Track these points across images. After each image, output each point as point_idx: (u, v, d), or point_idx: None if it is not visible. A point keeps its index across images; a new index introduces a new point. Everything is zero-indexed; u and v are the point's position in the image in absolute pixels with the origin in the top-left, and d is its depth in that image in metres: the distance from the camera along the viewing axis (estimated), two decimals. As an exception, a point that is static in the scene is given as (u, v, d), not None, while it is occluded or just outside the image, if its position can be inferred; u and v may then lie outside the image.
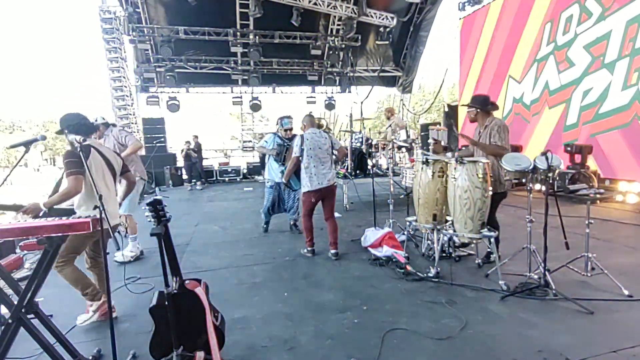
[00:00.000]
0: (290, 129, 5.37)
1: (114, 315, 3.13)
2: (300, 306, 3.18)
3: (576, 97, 8.06)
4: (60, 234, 2.05)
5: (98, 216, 2.12)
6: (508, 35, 9.92)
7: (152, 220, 1.99)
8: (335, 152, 4.60)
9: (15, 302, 2.15)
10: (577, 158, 7.44)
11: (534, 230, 3.46)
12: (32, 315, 2.23)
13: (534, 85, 9.22)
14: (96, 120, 4.49)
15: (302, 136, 4.44)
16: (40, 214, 2.59)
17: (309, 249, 4.56)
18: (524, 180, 3.48)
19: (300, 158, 4.40)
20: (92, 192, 2.83)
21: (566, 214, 3.27)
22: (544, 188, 3.31)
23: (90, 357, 2.44)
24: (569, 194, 5.72)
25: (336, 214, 6.70)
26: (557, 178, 6.73)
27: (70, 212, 2.86)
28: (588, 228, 3.42)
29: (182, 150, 11.46)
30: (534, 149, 8.87)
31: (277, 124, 5.63)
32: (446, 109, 13.32)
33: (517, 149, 8.98)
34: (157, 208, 1.98)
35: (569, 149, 7.51)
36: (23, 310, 2.13)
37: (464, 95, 11.70)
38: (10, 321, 2.08)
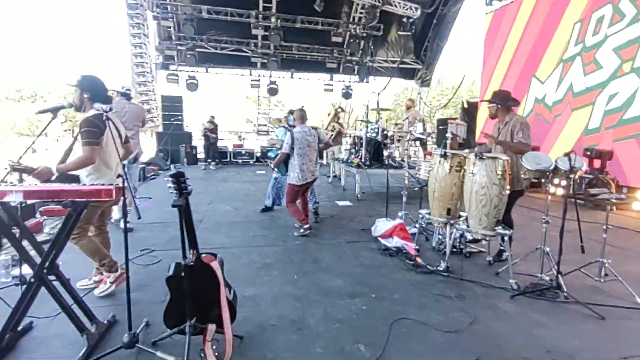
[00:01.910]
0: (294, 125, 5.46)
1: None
2: (309, 289, 3.22)
3: (601, 101, 7.86)
4: (84, 200, 2.10)
5: (120, 184, 2.16)
6: (534, 33, 9.67)
7: (174, 192, 2.02)
8: (320, 145, 4.94)
9: (38, 263, 2.23)
10: (597, 163, 7.29)
11: (547, 232, 3.41)
12: (53, 277, 2.30)
13: (558, 86, 9.00)
14: (123, 88, 4.83)
15: (292, 134, 4.67)
16: (53, 178, 2.62)
17: (305, 227, 4.73)
18: (543, 181, 3.42)
19: (290, 154, 4.70)
20: (101, 162, 2.85)
21: (582, 219, 3.22)
22: (560, 191, 3.27)
23: (106, 322, 2.51)
24: (589, 197, 5.61)
25: (347, 203, 6.79)
26: (578, 181, 6.60)
27: (75, 179, 2.89)
28: (605, 233, 3.37)
29: (204, 129, 11.40)
30: (552, 151, 8.71)
31: (286, 115, 5.85)
32: (465, 106, 13.12)
33: (534, 150, 8.82)
34: (179, 180, 2.01)
35: (588, 153, 7.36)
36: (45, 270, 2.20)
37: (486, 92, 11.49)
38: (32, 280, 2.15)
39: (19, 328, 2.34)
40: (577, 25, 8.47)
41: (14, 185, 2.06)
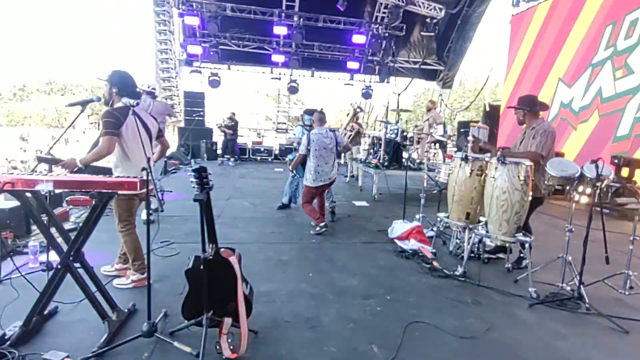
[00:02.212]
0: (310, 125, 5.52)
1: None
2: (324, 288, 3.23)
3: (631, 107, 7.57)
4: (110, 191, 2.16)
5: (145, 177, 2.22)
6: (562, 36, 9.38)
7: (196, 186, 2.06)
8: (339, 148, 4.94)
9: (64, 250, 2.31)
10: (624, 171, 7.03)
11: (570, 241, 3.31)
12: (78, 265, 2.38)
13: (585, 91, 8.72)
14: (149, 87, 5.09)
15: (308, 136, 4.73)
16: (75, 170, 2.68)
17: (321, 225, 4.78)
18: (567, 188, 3.32)
19: (307, 155, 4.76)
20: (126, 154, 2.90)
21: (607, 229, 3.12)
22: (585, 199, 3.16)
23: (127, 310, 2.58)
24: (616, 206, 5.40)
25: (364, 203, 6.77)
26: (605, 189, 6.39)
27: (107, 171, 2.97)
28: (632, 244, 3.25)
29: (220, 124, 11.56)
30: (578, 157, 8.45)
31: (302, 114, 5.92)
32: (487, 109, 12.87)
33: (558, 156, 8.57)
34: (201, 175, 2.05)
35: (616, 161, 7.11)
36: (71, 258, 2.28)
37: (509, 95, 11.24)
38: (59, 267, 2.23)
39: (45, 312, 2.43)
40: (609, 28, 8.18)
41: (45, 175, 2.15)
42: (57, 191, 4.21)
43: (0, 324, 2.30)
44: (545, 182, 3.64)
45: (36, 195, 2.25)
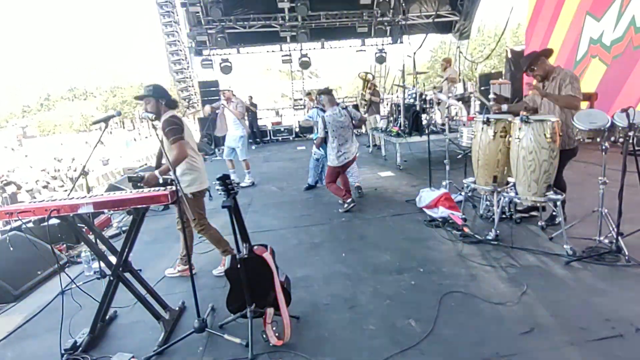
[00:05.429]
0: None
1: (193, 271, 3.51)
2: (358, 267, 3.33)
3: (670, 35, 6.98)
4: (144, 205, 2.30)
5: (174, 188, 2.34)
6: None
7: (222, 193, 2.16)
8: (354, 122, 4.97)
9: (111, 260, 2.51)
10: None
11: (606, 189, 3.19)
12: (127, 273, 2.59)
13: (617, 23, 8.06)
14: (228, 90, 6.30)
15: (323, 118, 4.79)
16: (160, 182, 2.86)
17: (348, 201, 4.86)
18: (598, 140, 3.19)
19: (326, 137, 4.86)
20: (192, 156, 3.08)
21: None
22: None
23: (177, 308, 2.79)
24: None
25: (389, 173, 6.76)
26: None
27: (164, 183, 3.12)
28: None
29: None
30: (611, 97, 7.96)
31: (317, 95, 6.00)
32: (509, 55, 12.18)
33: (590, 97, 8.11)
34: (226, 183, 2.14)
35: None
36: (120, 269, 2.47)
37: (532, 38, 10.57)
38: (112, 279, 2.44)
39: (107, 317, 2.68)
40: (639, -52, 7.43)
41: (84, 197, 2.30)
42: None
43: (70, 332, 2.55)
44: (575, 135, 3.50)
45: (82, 217, 2.43)
